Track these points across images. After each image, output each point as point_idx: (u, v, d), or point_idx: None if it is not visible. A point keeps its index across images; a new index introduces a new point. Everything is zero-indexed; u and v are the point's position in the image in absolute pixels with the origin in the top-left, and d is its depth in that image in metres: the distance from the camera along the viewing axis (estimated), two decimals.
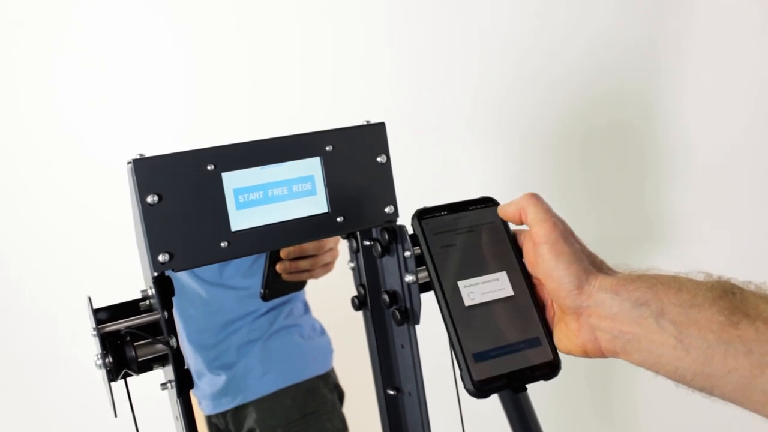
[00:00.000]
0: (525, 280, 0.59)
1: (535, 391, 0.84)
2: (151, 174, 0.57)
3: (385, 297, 0.69)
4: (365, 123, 0.67)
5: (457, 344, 0.55)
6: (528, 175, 1.30)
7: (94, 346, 0.54)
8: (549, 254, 0.53)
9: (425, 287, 0.66)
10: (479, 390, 0.53)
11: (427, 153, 1.28)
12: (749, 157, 1.21)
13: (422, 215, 0.61)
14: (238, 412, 1.10)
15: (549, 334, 0.57)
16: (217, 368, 1.11)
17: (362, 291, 0.74)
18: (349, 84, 1.26)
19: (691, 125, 1.22)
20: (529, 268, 0.59)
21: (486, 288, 0.58)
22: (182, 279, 1.05)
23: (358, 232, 0.71)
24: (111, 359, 0.53)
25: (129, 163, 0.57)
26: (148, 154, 0.58)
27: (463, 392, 0.70)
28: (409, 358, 0.68)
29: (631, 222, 1.30)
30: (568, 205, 1.30)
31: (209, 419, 1.14)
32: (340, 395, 1.15)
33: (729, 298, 0.46)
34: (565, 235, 0.54)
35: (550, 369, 0.55)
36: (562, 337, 0.55)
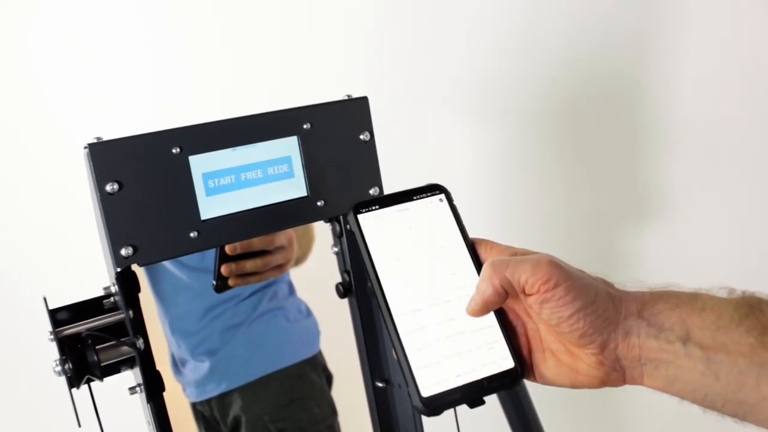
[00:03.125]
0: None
1: None
2: (110, 159, 0.52)
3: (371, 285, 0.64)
4: (346, 98, 0.62)
5: (402, 356, 0.48)
6: (515, 149, 1.26)
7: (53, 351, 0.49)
8: (569, 295, 0.45)
9: None
10: (429, 408, 0.47)
11: (414, 129, 1.22)
12: (742, 128, 1.17)
13: (359, 209, 0.54)
14: (223, 399, 1.07)
15: (509, 338, 0.51)
16: (200, 355, 1.07)
17: (347, 278, 0.70)
18: (328, 56, 1.20)
19: (683, 94, 1.18)
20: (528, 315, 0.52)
21: (435, 291, 0.52)
22: (162, 263, 1.00)
23: (341, 216, 0.67)
24: (71, 365, 0.48)
25: (85, 147, 0.52)
26: (106, 138, 0.53)
27: None
28: None
29: (621, 195, 1.26)
30: (555, 179, 1.27)
31: (194, 406, 1.11)
32: (328, 378, 1.12)
33: (757, 317, 0.42)
34: (567, 265, 0.47)
35: (511, 377, 0.49)
36: (568, 372, 0.49)
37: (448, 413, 0.65)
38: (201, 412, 1.10)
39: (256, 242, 0.85)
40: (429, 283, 0.51)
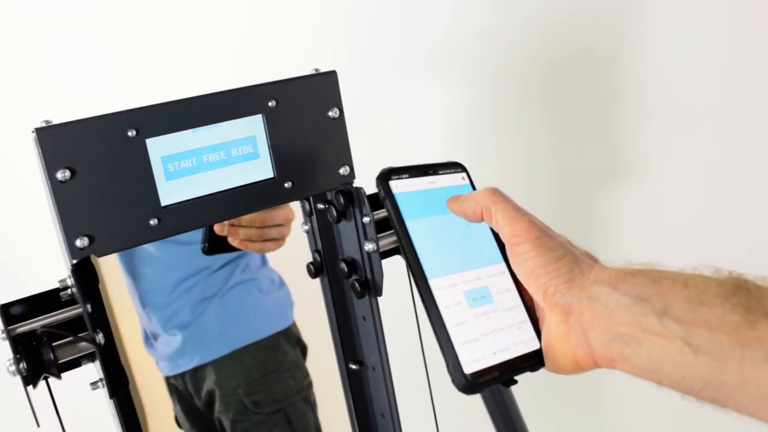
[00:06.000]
0: (503, 257, 0.53)
1: None
2: (61, 144, 0.48)
3: (343, 266, 0.62)
4: (313, 72, 0.59)
5: (442, 331, 0.48)
6: (490, 111, 1.23)
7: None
8: (533, 251, 0.46)
9: (387, 255, 0.61)
10: (471, 385, 0.47)
11: (385, 102, 1.18)
12: (716, 89, 1.16)
13: (389, 175, 0.53)
14: (197, 373, 1.06)
15: (534, 320, 0.51)
16: (172, 328, 1.05)
17: (318, 257, 0.67)
18: (294, 27, 1.14)
19: (658, 55, 1.16)
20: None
21: (467, 267, 0.51)
22: None
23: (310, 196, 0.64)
24: (25, 365, 0.45)
25: (33, 132, 0.48)
26: (56, 121, 0.49)
27: (432, 367, 0.66)
28: (372, 332, 0.63)
29: (595, 157, 1.25)
30: (529, 141, 1.25)
31: (167, 380, 1.09)
32: (303, 349, 1.11)
33: (744, 295, 0.39)
34: (546, 229, 0.48)
35: (537, 359, 0.49)
36: (546, 347, 0.49)
37: (425, 399, 0.64)
38: (174, 385, 1.09)
39: (251, 218, 0.83)
40: (461, 260, 0.51)
